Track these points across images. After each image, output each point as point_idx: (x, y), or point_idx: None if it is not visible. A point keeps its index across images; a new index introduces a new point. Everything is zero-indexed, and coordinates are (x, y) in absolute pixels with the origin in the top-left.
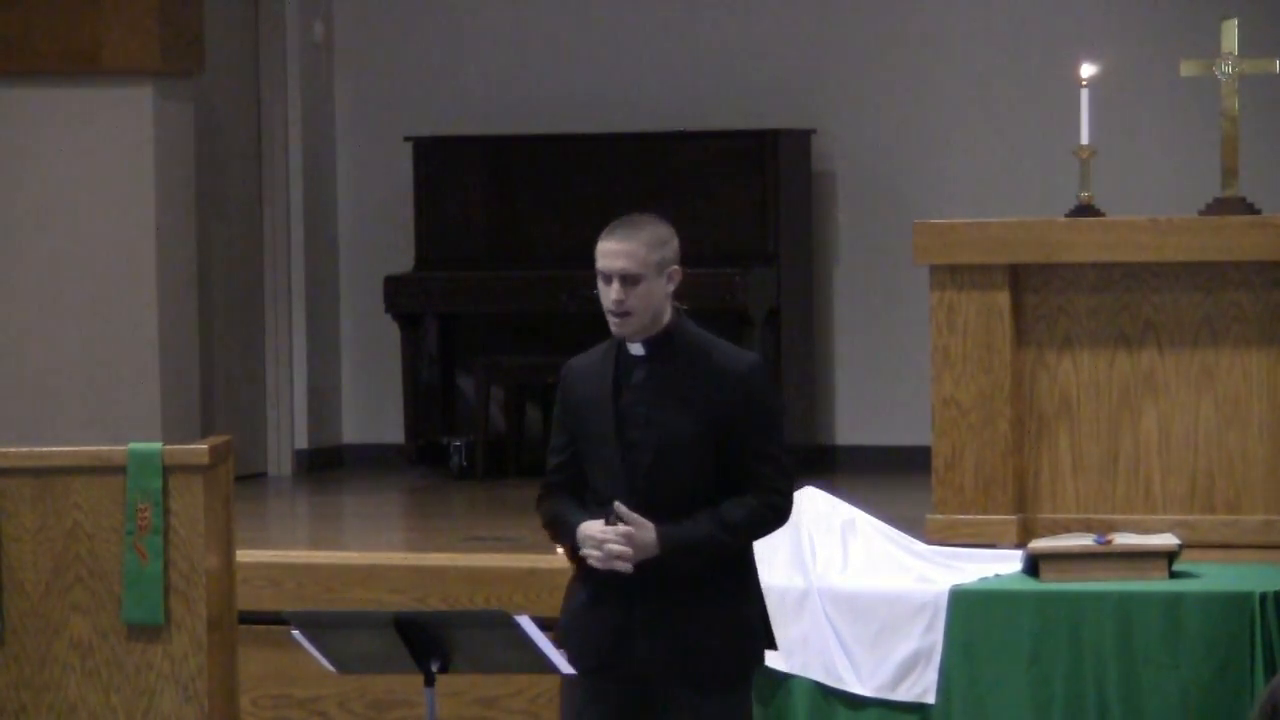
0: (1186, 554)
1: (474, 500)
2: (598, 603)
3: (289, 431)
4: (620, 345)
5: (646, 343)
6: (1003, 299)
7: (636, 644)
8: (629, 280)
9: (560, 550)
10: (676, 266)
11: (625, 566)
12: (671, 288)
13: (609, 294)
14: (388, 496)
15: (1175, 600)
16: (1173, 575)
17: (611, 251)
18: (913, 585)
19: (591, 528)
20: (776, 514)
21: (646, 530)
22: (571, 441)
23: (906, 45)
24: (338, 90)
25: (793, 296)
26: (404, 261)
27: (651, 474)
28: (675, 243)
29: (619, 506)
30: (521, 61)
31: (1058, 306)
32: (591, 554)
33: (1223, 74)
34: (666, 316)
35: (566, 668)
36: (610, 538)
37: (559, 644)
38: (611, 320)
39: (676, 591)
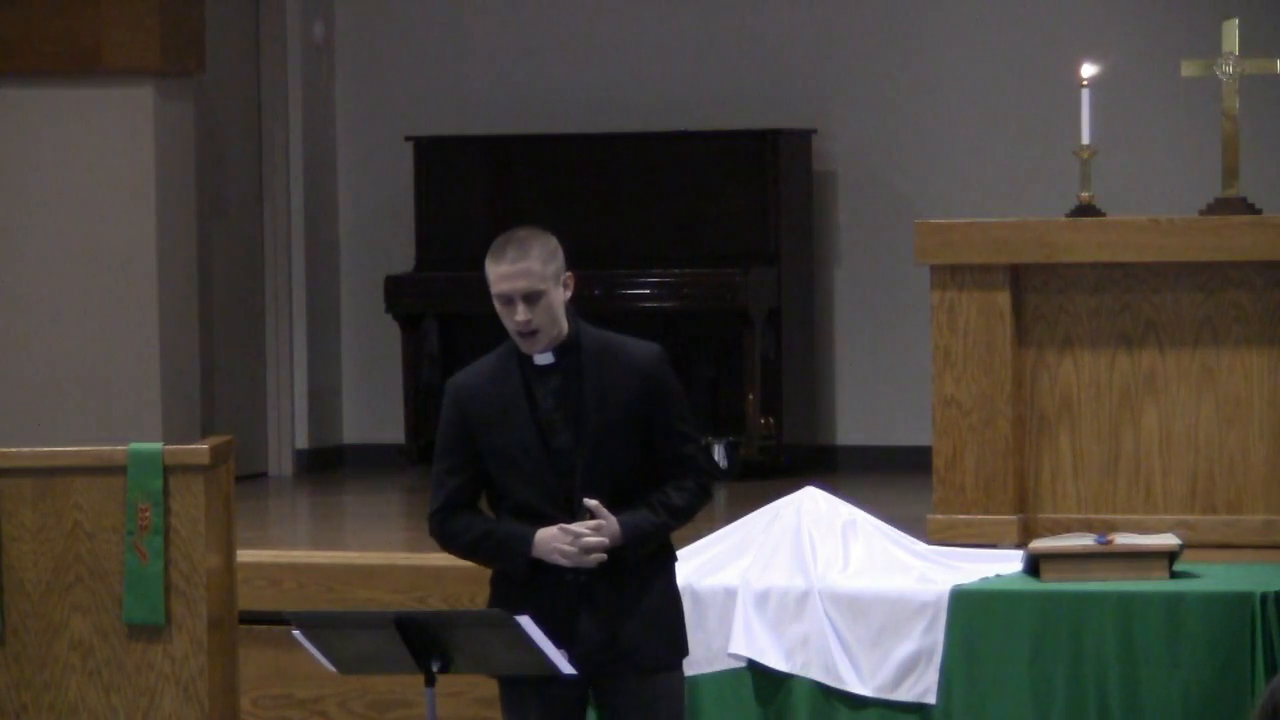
0: (1187, 554)
1: None
2: (538, 606)
3: (289, 431)
4: (518, 355)
5: (555, 351)
6: (1003, 299)
7: (580, 643)
8: (531, 298)
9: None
10: (569, 273)
11: (599, 559)
12: (568, 294)
13: (513, 315)
14: (388, 496)
15: (1176, 600)
16: (1173, 575)
17: (508, 274)
18: (913, 585)
19: (562, 529)
20: (708, 493)
21: (613, 523)
22: (470, 461)
23: (906, 45)
24: (338, 90)
25: (793, 296)
26: (404, 261)
27: (584, 477)
28: (560, 249)
29: (591, 503)
30: (521, 61)
31: (1058, 306)
32: (564, 551)
33: (1223, 74)
34: (566, 322)
35: (567, 668)
36: (586, 532)
37: None
38: (520, 341)
39: (614, 586)
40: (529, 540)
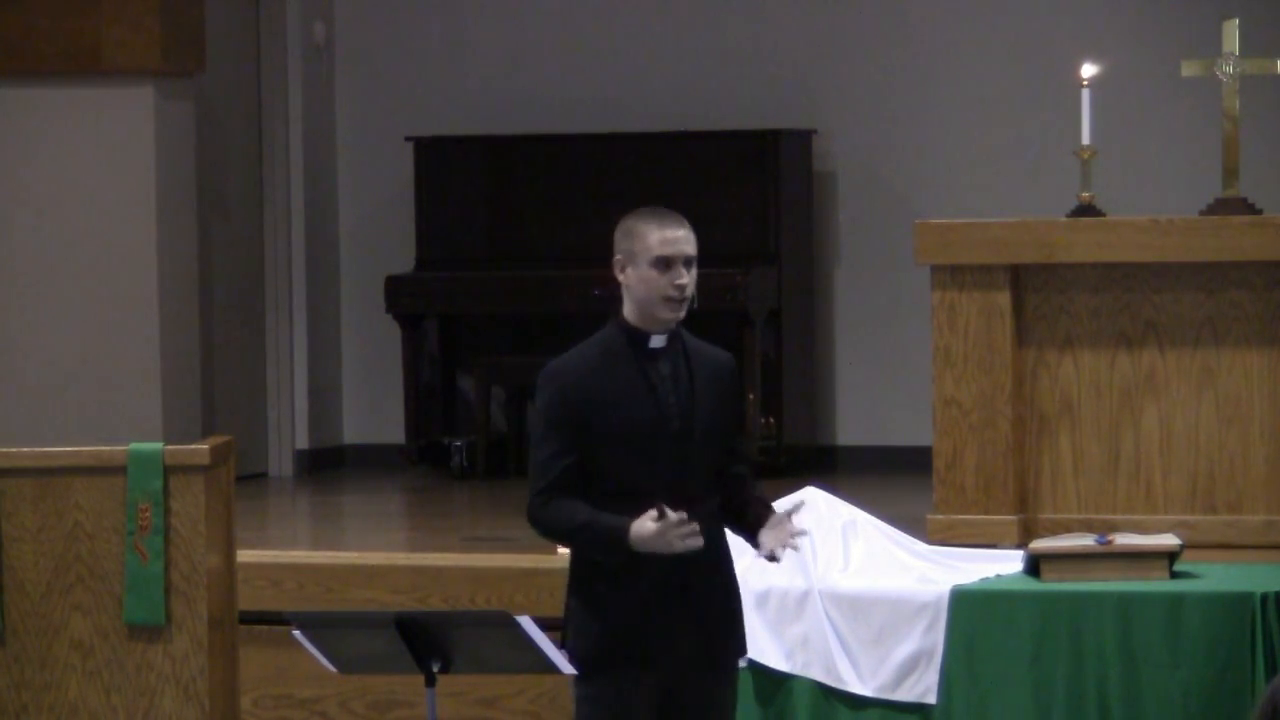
0: (1187, 554)
1: (474, 500)
2: (628, 599)
3: (289, 431)
4: (627, 339)
5: (667, 335)
6: (1004, 299)
7: (676, 637)
8: (689, 265)
9: (563, 551)
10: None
11: (696, 543)
12: None
13: (675, 278)
14: (388, 496)
15: (1176, 600)
16: (1173, 575)
17: (676, 238)
18: (914, 585)
19: (656, 520)
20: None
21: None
22: (576, 445)
23: (906, 45)
24: (338, 90)
25: (793, 296)
26: (404, 261)
27: (691, 463)
28: None
29: (674, 515)
30: (521, 61)
31: (1059, 306)
32: (683, 532)
33: (1224, 74)
34: None
35: (567, 668)
36: (679, 520)
37: (571, 642)
38: (669, 307)
39: (705, 581)
40: (625, 532)
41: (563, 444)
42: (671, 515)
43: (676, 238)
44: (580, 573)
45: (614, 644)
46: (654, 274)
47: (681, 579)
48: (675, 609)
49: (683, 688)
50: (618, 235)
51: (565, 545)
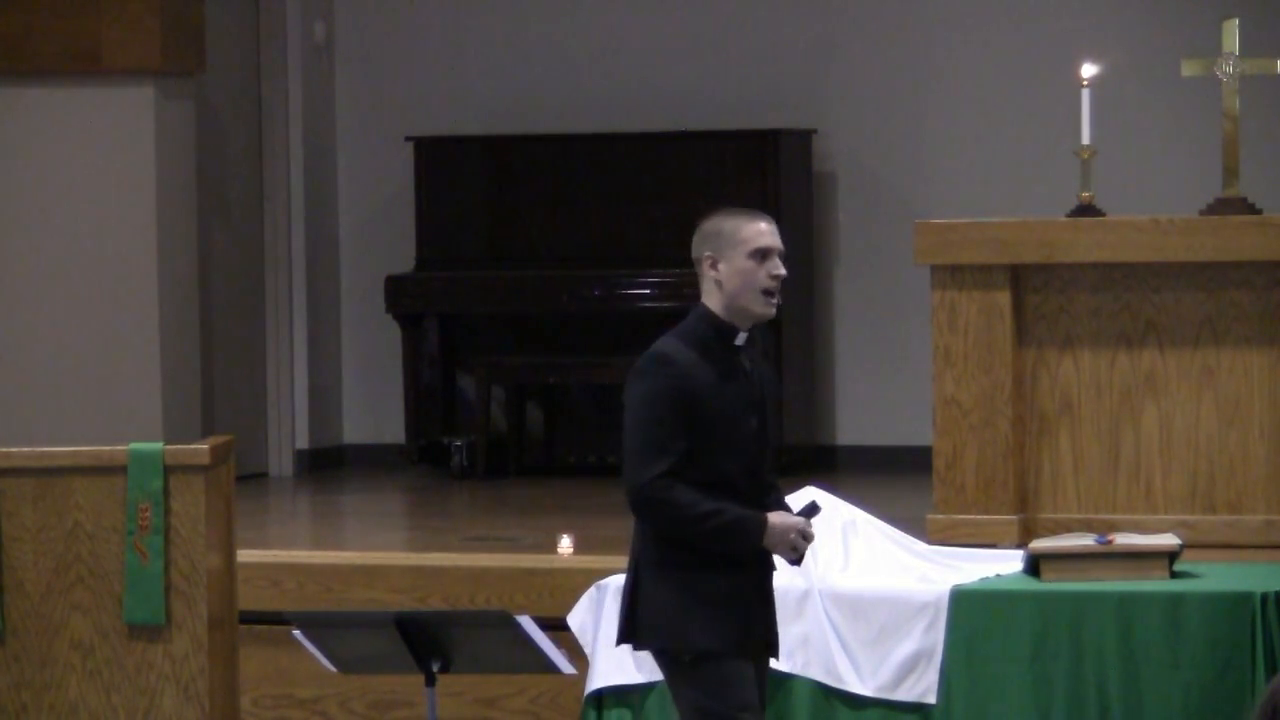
0: (1187, 554)
1: (474, 500)
2: (730, 591)
3: (289, 431)
4: (716, 333)
5: (747, 334)
6: (1004, 299)
7: (762, 627)
8: (784, 257)
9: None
10: None
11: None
12: None
13: (770, 269)
14: (388, 496)
15: (1176, 600)
16: (1173, 575)
17: (771, 231)
18: (914, 585)
19: (800, 523)
20: None
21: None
22: (687, 430)
23: (906, 45)
24: (338, 90)
25: (793, 296)
26: (404, 261)
27: (764, 457)
28: None
29: (819, 505)
30: (521, 61)
31: (1058, 306)
32: (798, 546)
33: (1224, 74)
34: None
35: (567, 667)
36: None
37: (717, 638)
38: (768, 300)
39: (769, 576)
40: (763, 526)
41: (677, 428)
42: (809, 529)
43: (771, 230)
44: (679, 564)
45: (732, 631)
46: (751, 265)
47: (764, 570)
48: (763, 596)
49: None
50: (699, 237)
51: (682, 531)
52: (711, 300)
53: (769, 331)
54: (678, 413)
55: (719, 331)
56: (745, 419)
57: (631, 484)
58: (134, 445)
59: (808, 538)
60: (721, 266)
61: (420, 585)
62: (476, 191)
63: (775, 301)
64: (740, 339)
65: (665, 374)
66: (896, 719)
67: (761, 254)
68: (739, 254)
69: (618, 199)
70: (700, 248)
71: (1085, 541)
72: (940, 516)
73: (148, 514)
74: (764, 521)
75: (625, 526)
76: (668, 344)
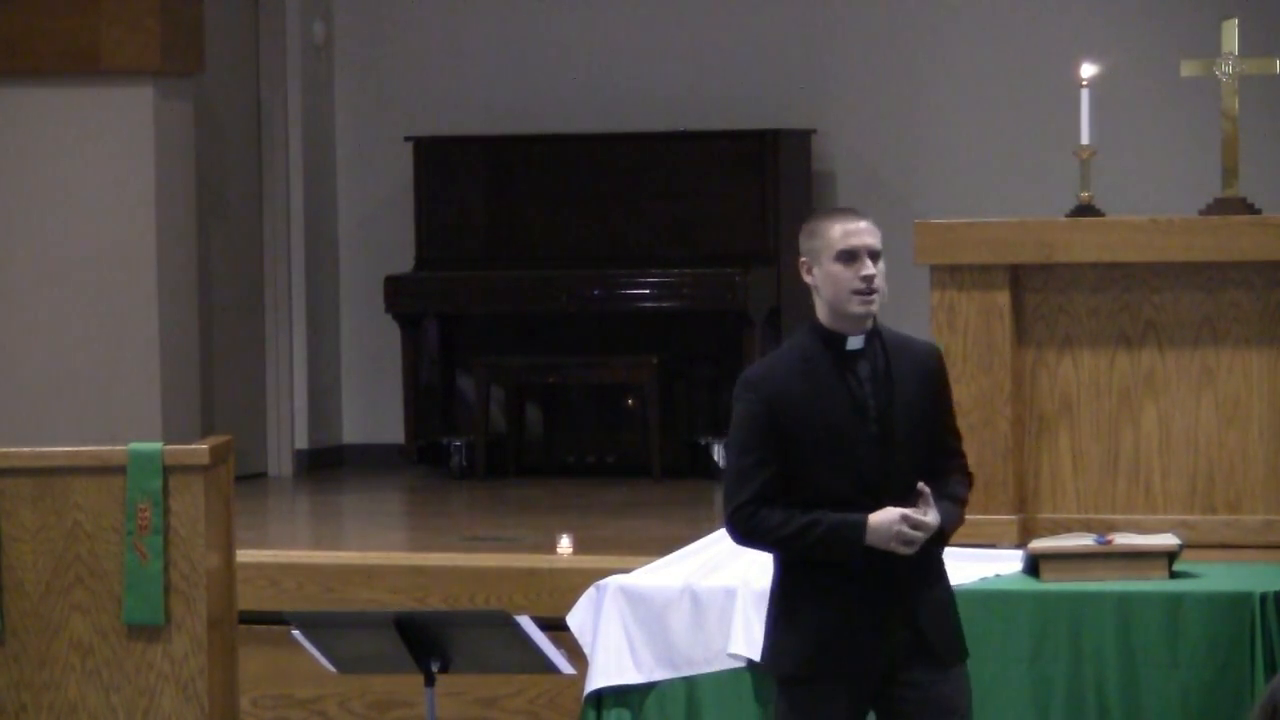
0: (1187, 554)
1: (474, 500)
2: (844, 597)
3: (289, 431)
4: (824, 342)
5: (865, 335)
6: (1003, 299)
7: (886, 634)
8: (875, 257)
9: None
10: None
11: (909, 549)
12: None
13: (857, 271)
14: (388, 496)
15: (1175, 600)
16: (1173, 575)
17: (858, 229)
18: None
19: (904, 514)
20: (972, 484)
21: (935, 514)
22: (778, 454)
23: (906, 45)
24: (338, 90)
25: (793, 296)
26: (404, 261)
27: (893, 467)
28: None
29: (924, 488)
30: (521, 61)
31: (1058, 306)
32: (908, 537)
33: (1223, 74)
34: None
35: (567, 667)
36: (925, 520)
37: (768, 656)
38: (860, 300)
39: (917, 577)
40: (862, 526)
41: (764, 454)
42: (912, 514)
43: (858, 229)
44: (785, 586)
45: (813, 657)
46: (839, 268)
47: (890, 577)
48: (885, 610)
49: (906, 684)
50: (800, 239)
51: (783, 550)
52: (818, 306)
53: (769, 331)
54: (764, 437)
55: (825, 340)
56: (856, 429)
57: (725, 516)
58: (133, 445)
59: (918, 526)
60: (816, 271)
61: (420, 585)
62: (476, 191)
63: (871, 300)
64: (854, 344)
65: (748, 399)
66: None
67: (848, 255)
68: (827, 257)
69: (617, 199)
70: (800, 252)
71: (1084, 541)
72: None
73: (147, 514)
74: (863, 522)
75: (624, 527)
76: (760, 364)
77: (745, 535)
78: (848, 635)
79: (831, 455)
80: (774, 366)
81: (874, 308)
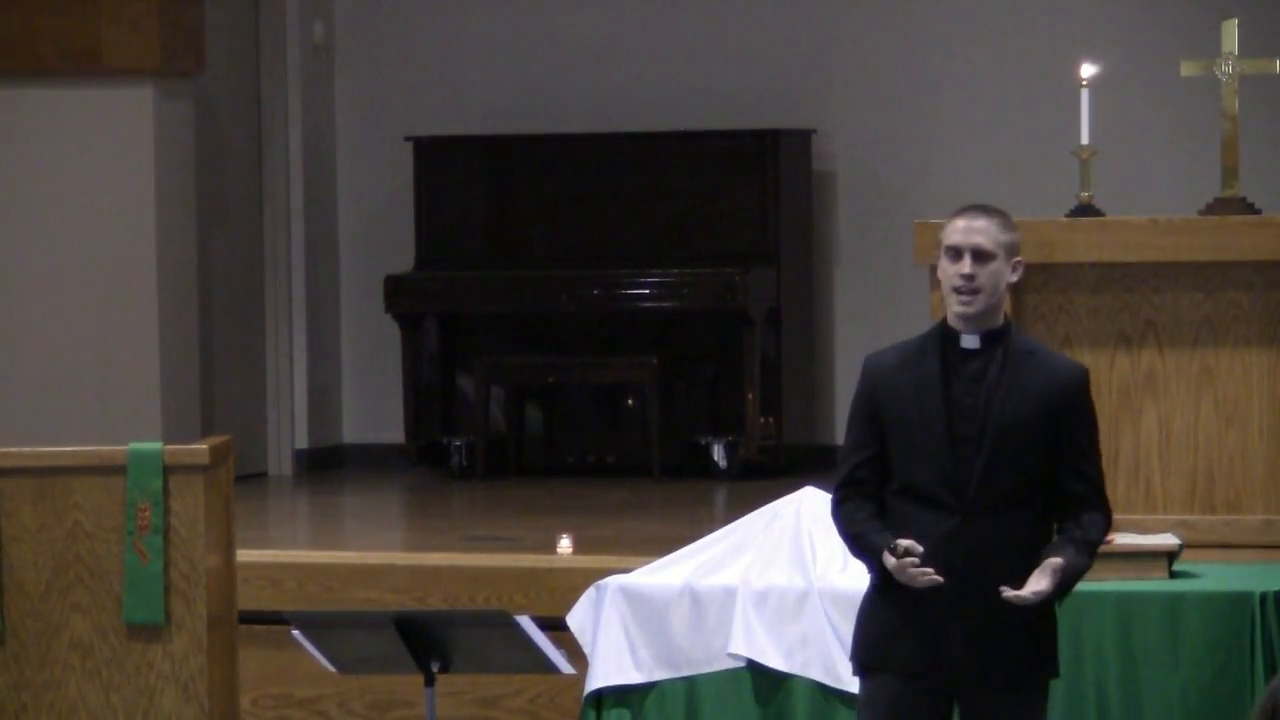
0: (1186, 554)
1: (474, 500)
2: (914, 614)
3: (289, 431)
4: (945, 337)
5: (983, 336)
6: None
7: (953, 653)
8: (981, 257)
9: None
10: (1020, 258)
11: (929, 581)
12: (1015, 278)
13: (957, 269)
14: (388, 496)
15: (1175, 600)
16: (1173, 575)
17: (964, 228)
18: None
19: (894, 564)
20: (1110, 524)
21: (1050, 572)
22: (877, 436)
23: (906, 45)
24: (338, 90)
25: (793, 296)
26: (404, 261)
27: (981, 468)
28: (1019, 233)
29: (1055, 560)
30: (521, 61)
31: (1058, 306)
32: (913, 578)
33: (1223, 74)
34: (1002, 314)
35: (567, 667)
36: (917, 572)
37: (864, 653)
38: (959, 300)
39: (988, 597)
40: (879, 554)
41: (861, 436)
42: (898, 556)
43: (969, 227)
44: (874, 581)
45: (879, 648)
46: (946, 264)
47: (958, 594)
48: (945, 620)
49: (980, 703)
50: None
51: (845, 544)
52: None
53: (769, 331)
54: (866, 418)
55: (944, 336)
56: (949, 427)
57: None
58: (133, 445)
59: (912, 568)
60: (938, 267)
61: (420, 585)
62: (476, 191)
63: (967, 301)
64: (969, 343)
65: (861, 380)
66: None
67: (953, 252)
68: (941, 252)
69: (618, 199)
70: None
71: None
72: None
73: (147, 514)
74: (879, 553)
75: (624, 527)
76: (882, 350)
77: (833, 518)
78: (908, 634)
79: (920, 448)
80: (890, 353)
81: (972, 309)
